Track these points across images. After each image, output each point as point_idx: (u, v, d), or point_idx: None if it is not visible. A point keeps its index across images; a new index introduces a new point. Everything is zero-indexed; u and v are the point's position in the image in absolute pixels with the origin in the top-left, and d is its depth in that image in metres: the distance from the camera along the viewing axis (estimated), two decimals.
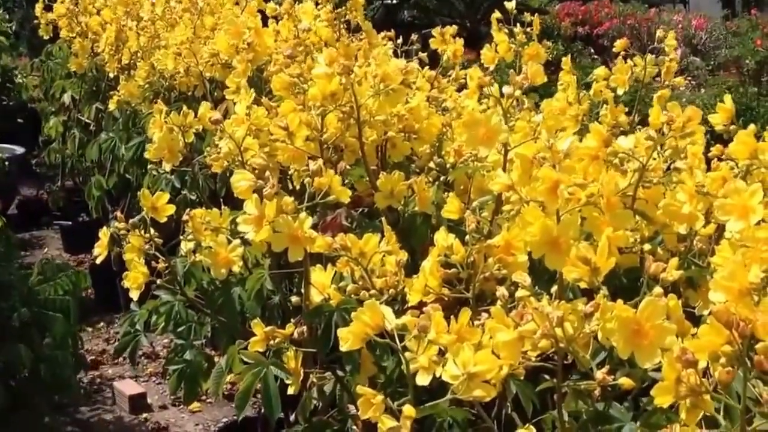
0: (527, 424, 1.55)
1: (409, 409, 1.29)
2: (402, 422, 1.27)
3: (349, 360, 1.71)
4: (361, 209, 2.36)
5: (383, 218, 1.92)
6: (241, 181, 1.70)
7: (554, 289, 1.68)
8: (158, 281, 2.04)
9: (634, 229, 1.92)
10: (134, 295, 2.02)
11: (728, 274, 1.21)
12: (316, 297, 1.87)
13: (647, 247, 1.83)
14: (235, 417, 3.19)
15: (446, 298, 1.83)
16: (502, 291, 1.60)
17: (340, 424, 1.88)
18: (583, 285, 1.53)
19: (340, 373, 1.90)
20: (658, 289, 1.37)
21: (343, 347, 1.40)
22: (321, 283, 1.86)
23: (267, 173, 1.73)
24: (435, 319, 1.40)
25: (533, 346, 1.38)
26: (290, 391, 1.83)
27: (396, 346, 1.35)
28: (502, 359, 1.39)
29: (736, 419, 1.22)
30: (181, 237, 2.08)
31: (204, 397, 3.59)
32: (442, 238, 1.80)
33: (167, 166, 2.28)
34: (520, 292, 1.60)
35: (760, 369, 1.10)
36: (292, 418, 2.23)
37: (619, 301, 1.33)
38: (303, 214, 1.72)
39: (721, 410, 1.21)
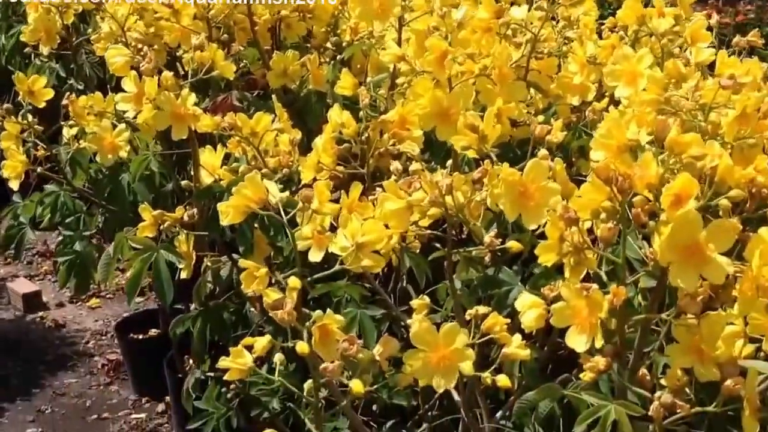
0: (421, 295, 1.56)
1: (293, 281, 1.26)
2: (288, 294, 1.25)
3: (242, 240, 1.68)
4: (257, 91, 2.30)
5: (274, 96, 1.86)
6: (116, 57, 1.62)
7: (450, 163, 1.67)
8: (38, 170, 1.96)
9: (529, 103, 1.92)
10: (14, 185, 1.94)
11: (606, 131, 1.21)
12: (206, 179, 1.82)
13: (540, 118, 1.82)
14: (136, 310, 3.16)
15: (342, 175, 1.81)
16: (395, 165, 1.58)
17: (237, 307, 1.86)
18: (472, 154, 1.51)
19: (236, 255, 1.87)
20: (543, 152, 1.36)
21: (224, 221, 1.36)
22: (211, 165, 1.81)
23: (146, 48, 1.66)
24: (318, 189, 1.37)
25: (422, 215, 1.37)
26: (182, 275, 1.80)
27: (281, 219, 1.32)
28: (391, 228, 1.37)
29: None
30: (62, 123, 2.00)
31: (104, 293, 3.53)
32: (336, 114, 1.77)
33: (45, 50, 2.18)
34: (413, 166, 1.58)
35: (637, 222, 1.10)
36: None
37: (505, 165, 1.32)
38: (186, 91, 1.66)
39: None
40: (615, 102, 1.72)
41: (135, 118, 1.73)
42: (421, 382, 1.22)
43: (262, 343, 1.22)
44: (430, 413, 1.68)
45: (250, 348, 1.25)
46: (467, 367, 1.21)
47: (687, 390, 1.22)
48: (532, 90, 1.87)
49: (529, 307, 1.20)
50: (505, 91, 1.68)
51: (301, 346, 1.18)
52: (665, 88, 1.56)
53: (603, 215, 1.14)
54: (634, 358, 1.27)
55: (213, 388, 1.74)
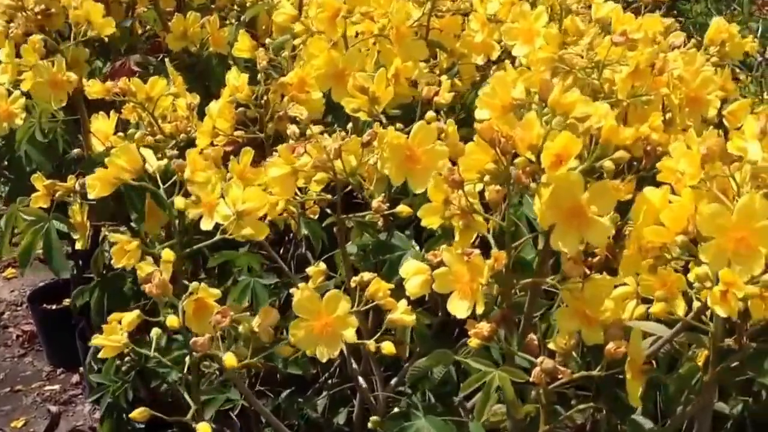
0: (317, 261, 1.53)
1: (167, 253, 1.22)
2: (162, 266, 1.20)
3: (132, 209, 1.63)
4: (162, 55, 2.23)
5: (167, 60, 1.80)
6: None
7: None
8: None
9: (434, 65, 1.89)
10: None
11: (490, 90, 1.17)
12: (99, 147, 1.76)
13: (444, 78, 1.79)
14: (53, 279, 3.08)
15: (241, 140, 1.76)
16: (292, 129, 1.54)
17: (135, 277, 1.80)
18: (364, 116, 1.47)
19: (134, 224, 1.81)
20: (430, 114, 1.33)
21: (90, 194, 1.31)
22: (103, 132, 1.75)
23: (19, 14, 1.58)
24: (190, 157, 1.32)
25: (307, 180, 1.33)
26: (77, 246, 1.74)
27: (155, 189, 1.27)
28: (275, 195, 1.33)
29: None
30: None
31: None
32: (234, 77, 1.71)
33: None
34: (311, 129, 1.54)
35: (519, 184, 1.07)
36: None
37: (391, 128, 1.29)
38: (59, 56, 1.59)
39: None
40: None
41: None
42: (306, 351, 1.19)
43: (129, 317, 1.17)
44: (330, 381, 1.65)
45: None
46: (349, 334, 1.18)
47: (575, 354, 1.22)
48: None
49: (413, 273, 1.17)
50: (403, 51, 1.64)
51: (171, 321, 1.14)
52: (561, 46, 1.54)
53: (487, 177, 1.11)
54: (523, 323, 1.26)
55: (111, 361, 1.70)
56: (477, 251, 1.09)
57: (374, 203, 1.33)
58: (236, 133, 1.70)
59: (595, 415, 1.32)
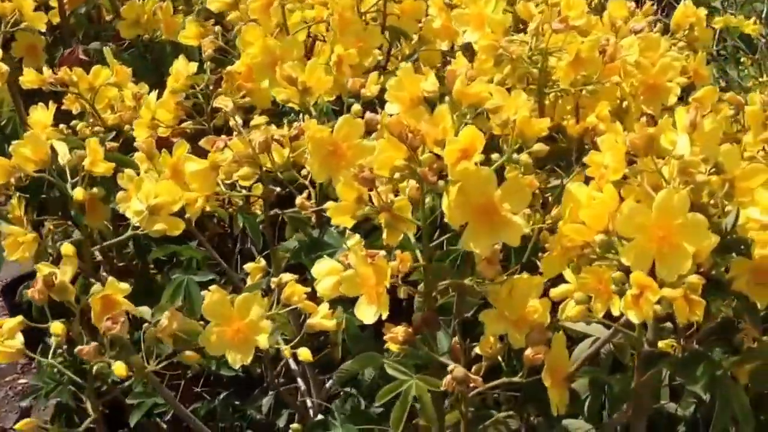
0: (258, 257, 1.47)
1: (66, 248, 1.16)
2: (64, 262, 1.14)
3: (33, 200, 1.56)
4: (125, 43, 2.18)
5: (105, 49, 1.74)
6: None
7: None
8: None
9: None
10: None
11: (397, 83, 1.11)
12: None
13: (404, 65, 1.72)
14: (30, 271, 3.03)
15: (189, 131, 1.70)
16: (235, 120, 1.47)
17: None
18: (296, 106, 1.41)
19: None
20: (356, 107, 1.26)
21: None
22: (42, 123, 1.69)
23: None
24: (90, 147, 1.27)
25: (228, 175, 1.27)
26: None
27: (58, 181, 1.22)
28: (195, 190, 1.27)
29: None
30: None
31: None
32: (181, 65, 1.65)
33: None
34: (256, 120, 1.48)
35: (426, 182, 1.01)
36: None
37: (312, 121, 1.22)
38: None
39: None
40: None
41: None
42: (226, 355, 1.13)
43: (10, 324, 1.12)
44: (276, 381, 1.60)
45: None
46: (263, 340, 1.12)
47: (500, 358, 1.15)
48: None
49: (326, 273, 1.10)
50: (347, 38, 1.57)
51: (55, 327, 1.08)
52: (509, 33, 1.47)
53: (397, 175, 1.05)
54: (453, 326, 1.20)
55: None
56: (381, 253, 1.02)
57: (297, 200, 1.27)
58: (182, 124, 1.65)
59: (531, 419, 1.25)
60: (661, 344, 1.20)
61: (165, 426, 1.56)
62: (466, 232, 1.01)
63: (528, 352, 1.04)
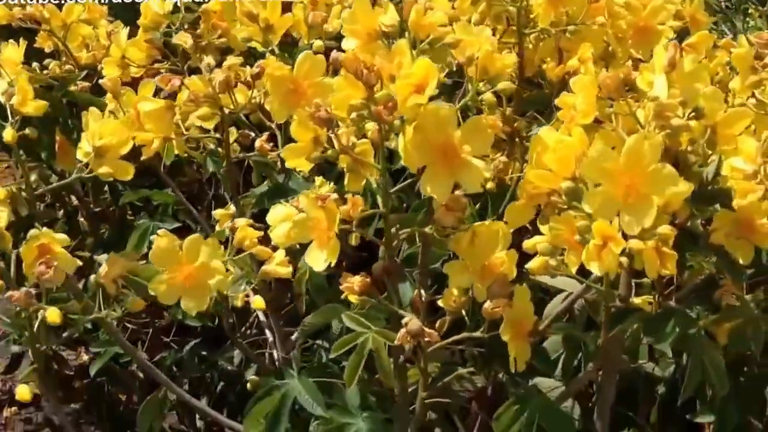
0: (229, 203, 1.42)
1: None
2: None
3: (41, 146, 1.51)
4: None
5: None
6: None
7: None
8: None
9: None
10: None
11: (350, 16, 1.03)
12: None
13: None
14: None
15: (162, 72, 1.64)
16: (207, 60, 1.41)
17: None
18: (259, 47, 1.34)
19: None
20: (318, 43, 1.19)
21: None
22: (12, 61, 1.63)
23: None
24: (19, 85, 1.21)
25: (184, 116, 1.21)
26: None
27: None
28: (150, 131, 1.21)
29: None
30: None
31: None
32: (153, 1, 1.58)
33: None
34: (229, 60, 1.42)
35: (380, 121, 0.94)
36: None
37: (272, 58, 1.16)
38: None
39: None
40: None
41: None
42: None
43: None
44: (249, 332, 1.55)
45: None
46: (218, 284, 1.06)
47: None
48: None
49: (281, 220, 1.04)
50: None
51: None
52: None
53: (354, 114, 0.98)
54: (419, 277, 1.14)
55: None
56: (333, 196, 0.96)
57: (257, 142, 1.21)
58: (155, 65, 1.59)
59: (498, 376, 1.20)
60: (637, 300, 1.15)
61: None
62: (424, 176, 0.95)
63: (487, 305, 0.99)
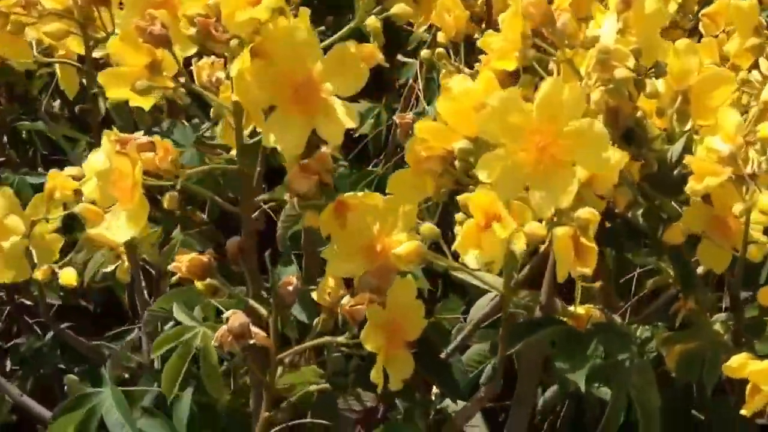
0: None
1: None
2: None
3: None
4: None
5: None
6: None
7: None
8: None
9: None
10: None
11: None
12: None
13: None
14: None
15: None
16: None
17: None
18: None
19: None
20: None
21: None
22: None
23: None
24: None
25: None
26: None
27: None
28: None
29: None
30: None
31: None
32: None
33: None
34: None
35: (204, 36, 0.69)
36: None
37: None
38: None
39: None
40: None
41: None
42: None
43: None
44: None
45: None
46: (12, 248, 0.82)
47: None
48: None
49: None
50: None
51: None
52: None
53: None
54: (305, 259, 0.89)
55: None
56: (139, 137, 0.70)
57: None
58: None
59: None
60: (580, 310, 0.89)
61: None
62: (271, 119, 0.70)
63: (345, 300, 0.73)
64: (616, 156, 0.66)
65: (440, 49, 1.08)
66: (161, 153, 0.69)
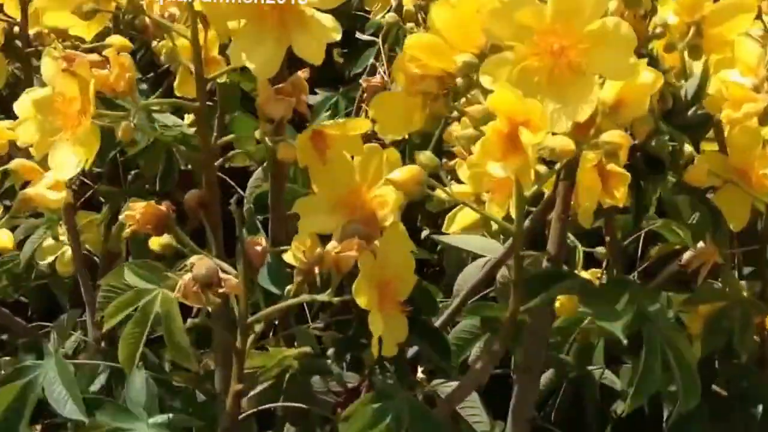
0: None
1: None
2: None
3: None
4: None
5: None
6: None
7: None
8: None
9: None
10: None
11: None
12: None
13: None
14: None
15: None
16: None
17: None
18: None
19: None
20: None
21: None
22: None
23: None
24: None
25: None
26: None
27: None
28: None
29: None
30: None
31: None
32: None
33: None
34: None
35: None
36: None
37: None
38: None
39: None
40: None
41: None
42: None
43: None
44: None
45: None
46: None
47: None
48: None
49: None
50: None
51: None
52: None
53: None
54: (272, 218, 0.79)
55: None
56: (87, 56, 0.60)
57: None
58: None
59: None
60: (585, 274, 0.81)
61: None
62: (240, 33, 0.60)
63: (330, 245, 0.63)
64: (649, 75, 0.56)
65: (409, 7, 1.00)
66: (117, 70, 0.58)
